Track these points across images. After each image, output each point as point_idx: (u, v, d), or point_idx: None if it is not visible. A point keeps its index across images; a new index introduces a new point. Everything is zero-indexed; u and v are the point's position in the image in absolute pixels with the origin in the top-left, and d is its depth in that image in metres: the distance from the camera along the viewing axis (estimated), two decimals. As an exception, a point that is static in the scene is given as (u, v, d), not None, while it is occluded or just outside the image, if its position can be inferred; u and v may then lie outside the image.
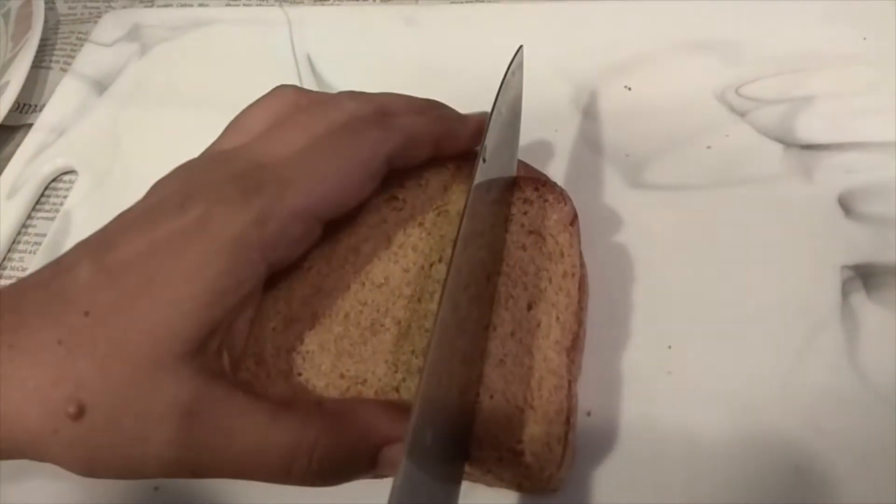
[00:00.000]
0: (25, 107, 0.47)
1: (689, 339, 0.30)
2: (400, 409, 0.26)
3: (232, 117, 0.40)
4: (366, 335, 0.28)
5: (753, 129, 0.36)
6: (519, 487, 0.28)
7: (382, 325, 0.28)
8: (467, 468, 0.26)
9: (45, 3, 0.50)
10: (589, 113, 0.38)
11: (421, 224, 0.31)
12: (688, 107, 0.37)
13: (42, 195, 0.43)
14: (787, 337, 0.30)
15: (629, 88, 0.38)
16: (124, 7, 0.52)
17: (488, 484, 0.28)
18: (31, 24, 0.48)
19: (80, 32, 0.51)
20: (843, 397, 0.28)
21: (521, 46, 0.32)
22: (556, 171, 0.36)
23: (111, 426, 0.22)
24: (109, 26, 0.49)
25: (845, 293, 0.31)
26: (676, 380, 0.30)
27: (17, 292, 0.24)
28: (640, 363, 0.30)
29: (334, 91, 0.41)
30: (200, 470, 0.24)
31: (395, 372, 0.28)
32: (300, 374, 0.28)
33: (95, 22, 0.50)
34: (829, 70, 0.37)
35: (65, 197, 0.42)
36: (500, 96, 0.30)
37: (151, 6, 0.52)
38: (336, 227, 0.31)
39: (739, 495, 0.27)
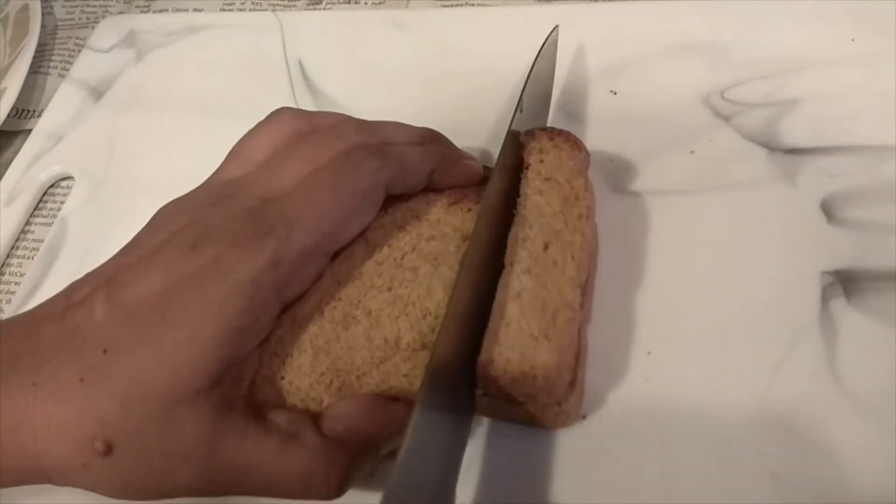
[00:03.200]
0: (23, 112, 0.48)
1: (668, 345, 0.31)
2: (386, 402, 0.28)
3: (225, 122, 0.40)
4: (338, 330, 0.29)
5: (738, 134, 0.36)
6: (529, 420, 0.29)
7: (354, 318, 0.29)
8: (478, 399, 0.28)
9: (43, 7, 0.51)
10: (574, 117, 0.38)
11: (402, 228, 0.32)
12: (673, 111, 0.37)
13: (40, 201, 0.44)
14: (767, 343, 0.30)
15: (614, 93, 0.38)
16: (121, 12, 0.53)
17: (498, 417, 0.29)
18: (29, 30, 0.49)
19: (77, 37, 0.52)
20: (822, 404, 0.29)
21: (556, 26, 0.34)
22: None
23: (140, 462, 0.23)
24: (106, 32, 0.50)
25: (825, 299, 0.31)
26: (655, 385, 0.30)
27: (32, 326, 0.25)
28: (619, 369, 0.31)
29: (325, 96, 0.43)
30: (228, 493, 0.25)
31: (371, 360, 0.28)
32: (283, 378, 0.29)
33: (93, 28, 0.51)
34: (814, 73, 0.37)
35: (62, 202, 0.43)
36: (534, 66, 0.32)
37: (148, 11, 0.53)
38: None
39: (714, 498, 0.27)
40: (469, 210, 0.32)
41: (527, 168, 0.32)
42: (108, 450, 0.23)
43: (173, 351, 0.24)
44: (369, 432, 0.26)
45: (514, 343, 0.27)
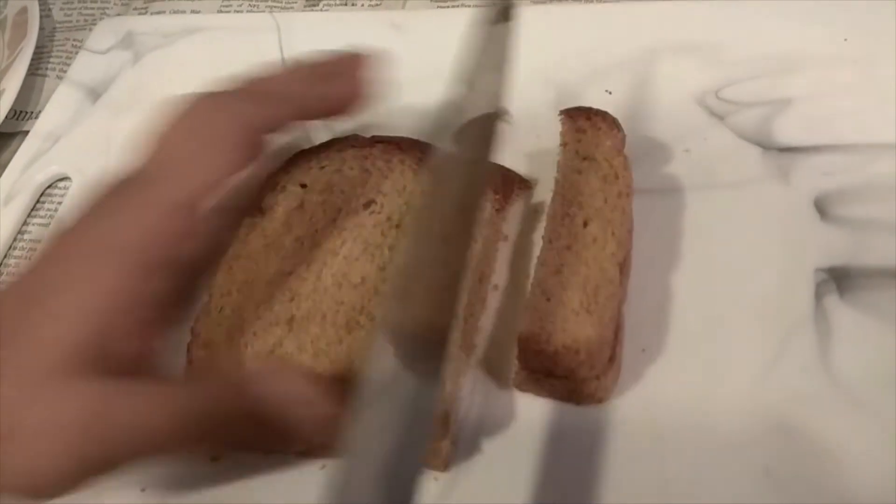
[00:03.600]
0: (21, 114, 0.48)
1: (662, 342, 0.31)
2: (299, 372, 0.27)
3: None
4: (341, 334, 0.29)
5: (732, 133, 0.36)
6: (566, 395, 0.29)
7: (357, 323, 0.29)
8: (516, 373, 0.29)
9: (41, 10, 0.51)
10: (570, 117, 0.38)
11: (398, 227, 0.32)
12: (667, 111, 0.37)
13: (37, 201, 0.44)
14: (761, 339, 0.30)
15: (610, 93, 0.39)
16: (118, 14, 0.53)
17: (535, 392, 0.29)
18: (27, 32, 0.49)
19: (75, 39, 0.52)
20: (815, 400, 0.29)
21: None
22: (537, 176, 0.37)
23: (12, 447, 0.23)
24: (104, 34, 0.50)
25: (819, 296, 0.31)
26: (648, 381, 0.30)
27: None
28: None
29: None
30: (113, 460, 0.24)
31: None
32: None
33: (90, 29, 0.51)
34: (808, 72, 0.38)
35: (59, 203, 0.43)
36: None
37: (145, 13, 0.53)
38: (315, 232, 0.32)
39: (709, 496, 0.27)
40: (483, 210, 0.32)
41: (564, 147, 0.32)
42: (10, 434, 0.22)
43: (41, 329, 0.24)
44: (283, 393, 0.26)
45: (556, 317, 0.27)
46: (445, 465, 0.29)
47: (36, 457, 0.23)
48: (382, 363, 0.23)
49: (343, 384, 0.27)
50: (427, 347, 0.25)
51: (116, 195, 0.27)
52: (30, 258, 0.41)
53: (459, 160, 0.28)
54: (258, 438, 0.27)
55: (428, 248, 0.26)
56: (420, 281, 0.25)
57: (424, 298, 0.25)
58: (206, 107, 0.29)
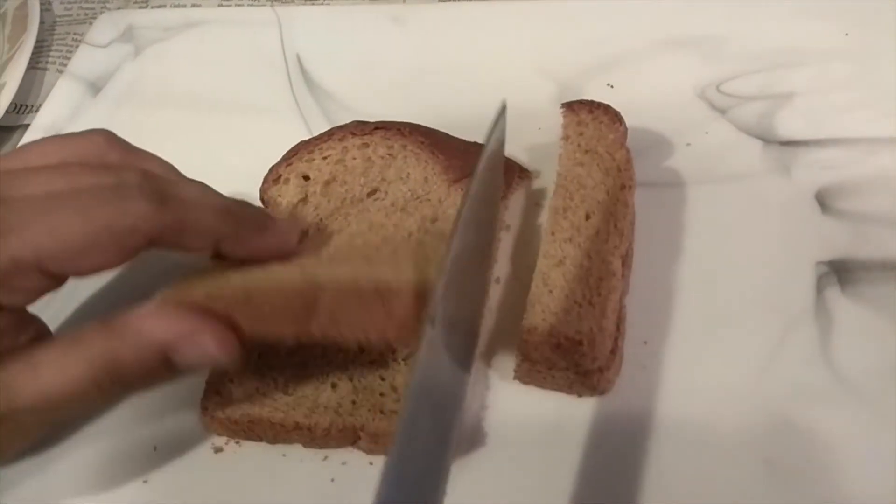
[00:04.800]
0: (22, 107, 0.48)
1: (663, 334, 0.31)
2: (179, 305, 0.26)
3: (223, 116, 0.41)
4: None
5: (733, 127, 0.36)
6: (567, 387, 0.29)
7: None
8: (518, 365, 0.29)
9: (42, 4, 0.51)
10: (571, 111, 0.38)
11: (403, 209, 0.32)
12: (669, 104, 0.37)
13: (38, 195, 0.44)
14: (762, 332, 0.30)
15: (611, 86, 0.39)
16: (119, 8, 0.53)
17: (540, 385, 0.30)
18: (27, 26, 0.49)
19: (75, 33, 0.52)
20: (816, 392, 0.29)
21: (504, 105, 0.30)
22: (539, 169, 0.37)
23: None
24: (104, 28, 0.50)
25: (820, 289, 0.31)
26: (650, 374, 0.30)
27: None
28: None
29: (323, 90, 0.43)
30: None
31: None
32: None
33: (91, 23, 0.51)
34: (809, 66, 0.38)
35: (60, 197, 0.43)
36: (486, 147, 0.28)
37: (146, 7, 0.53)
38: (321, 223, 0.32)
39: (709, 487, 0.28)
40: None
41: (566, 140, 0.32)
42: None
43: None
44: (142, 322, 0.26)
45: (559, 309, 0.27)
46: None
47: None
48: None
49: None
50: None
51: None
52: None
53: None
54: (158, 378, 0.27)
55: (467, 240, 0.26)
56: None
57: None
58: (128, 192, 0.26)
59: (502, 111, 0.29)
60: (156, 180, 0.27)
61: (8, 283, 0.25)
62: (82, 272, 0.26)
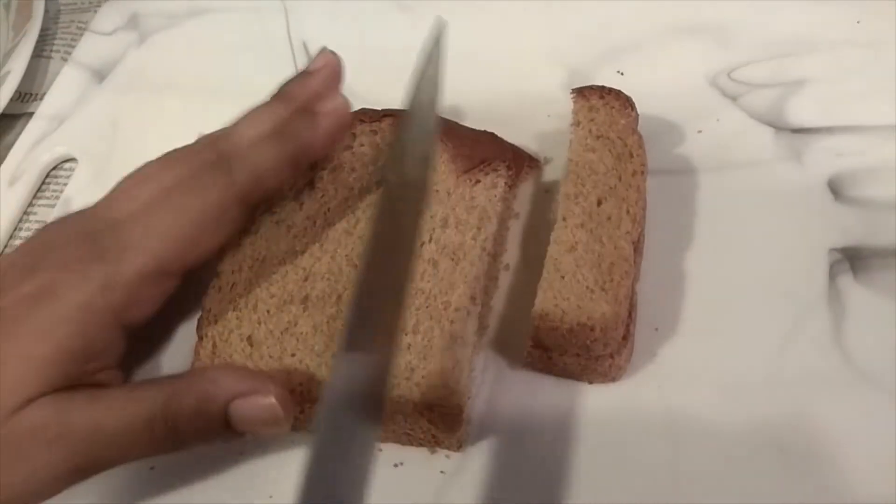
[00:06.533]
0: (26, 95, 0.48)
1: (676, 321, 0.31)
2: (249, 370, 0.28)
3: (229, 105, 0.40)
4: None
5: (745, 114, 0.36)
6: (578, 373, 0.29)
7: None
8: (528, 351, 0.29)
9: (46, -8, 0.51)
10: (581, 98, 0.38)
11: None
12: (680, 91, 0.37)
13: (43, 183, 0.43)
14: (775, 319, 0.30)
15: (622, 73, 0.38)
16: (123, -4, 0.52)
17: (550, 372, 0.30)
18: (32, 14, 0.49)
19: (80, 21, 0.52)
20: (829, 379, 0.29)
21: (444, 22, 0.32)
22: (549, 156, 0.36)
23: None
24: (109, 15, 0.50)
25: (833, 276, 0.31)
26: (663, 361, 0.30)
27: None
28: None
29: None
30: (87, 465, 0.25)
31: None
32: (293, 355, 0.29)
33: (95, 11, 0.51)
34: (821, 53, 0.37)
35: (65, 184, 0.43)
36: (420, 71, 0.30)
37: (150, -5, 0.52)
38: (327, 211, 0.32)
39: (723, 475, 0.27)
40: (478, 182, 0.32)
41: (577, 125, 0.32)
42: None
43: (11, 375, 0.25)
44: (212, 379, 0.26)
45: (571, 295, 0.27)
46: (459, 446, 0.29)
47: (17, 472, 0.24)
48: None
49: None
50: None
51: (89, 243, 0.27)
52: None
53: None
54: (213, 433, 0.27)
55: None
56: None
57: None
58: (200, 174, 0.29)
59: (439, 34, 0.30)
60: (213, 150, 0.29)
61: (137, 297, 0.27)
62: (200, 258, 0.29)
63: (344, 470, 0.22)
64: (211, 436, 0.26)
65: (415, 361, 0.28)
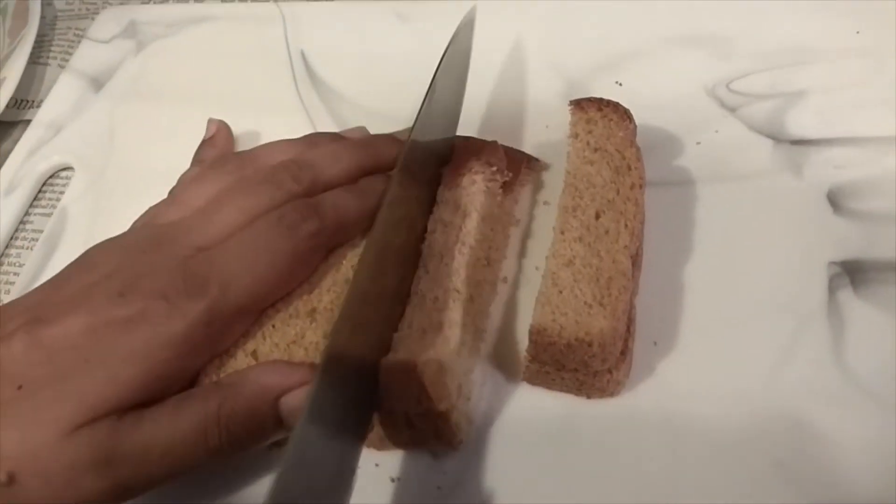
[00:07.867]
0: (22, 102, 0.48)
1: (674, 335, 0.31)
2: (290, 363, 0.28)
3: (227, 113, 0.40)
4: None
5: (744, 125, 0.36)
6: (576, 388, 0.29)
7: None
8: (526, 366, 0.28)
9: (43, -1, 0.50)
10: (580, 108, 0.38)
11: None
12: (678, 103, 0.37)
13: (39, 191, 0.43)
14: (773, 332, 0.30)
15: (620, 84, 0.38)
16: (121, 3, 0.52)
17: (548, 386, 0.29)
18: (28, 20, 0.48)
19: (77, 28, 0.52)
20: (828, 393, 0.29)
21: (474, 6, 0.33)
22: (547, 166, 0.36)
23: (42, 483, 0.24)
24: (106, 23, 0.49)
25: (832, 289, 0.31)
26: (662, 376, 0.30)
27: None
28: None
29: (328, 87, 0.43)
30: (134, 485, 0.25)
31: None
32: (293, 343, 0.29)
33: (93, 18, 0.50)
34: (820, 64, 0.37)
35: (62, 193, 0.42)
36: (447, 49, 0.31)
37: (149, 2, 0.52)
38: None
39: (721, 488, 0.27)
40: (474, 183, 0.32)
41: (574, 138, 0.32)
42: (11, 480, 0.23)
43: (89, 388, 0.25)
44: (260, 378, 0.27)
45: (569, 310, 0.27)
46: (457, 441, 0.28)
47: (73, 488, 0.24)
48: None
49: None
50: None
51: (187, 274, 0.27)
52: (31, 249, 0.40)
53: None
54: (267, 431, 0.27)
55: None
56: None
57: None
58: (295, 218, 0.29)
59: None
60: (304, 184, 0.30)
61: (232, 331, 0.28)
62: (279, 297, 0.29)
63: (317, 480, 0.22)
64: (265, 435, 0.27)
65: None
